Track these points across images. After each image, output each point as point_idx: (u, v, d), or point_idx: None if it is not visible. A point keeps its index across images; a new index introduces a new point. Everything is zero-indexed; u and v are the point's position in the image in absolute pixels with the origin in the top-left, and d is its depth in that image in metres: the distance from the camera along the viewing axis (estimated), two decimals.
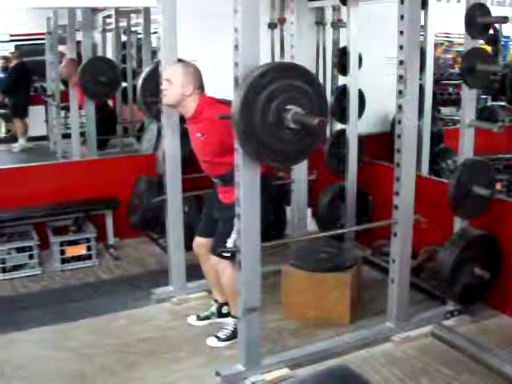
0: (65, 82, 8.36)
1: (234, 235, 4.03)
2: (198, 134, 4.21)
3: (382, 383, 3.93)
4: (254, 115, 3.33)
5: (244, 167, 3.57)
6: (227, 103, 3.77)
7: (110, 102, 9.64)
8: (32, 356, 4.33)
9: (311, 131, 3.43)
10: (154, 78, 4.96)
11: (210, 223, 4.47)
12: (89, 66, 7.40)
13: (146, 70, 5.32)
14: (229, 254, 4.13)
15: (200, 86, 4.24)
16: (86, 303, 5.13)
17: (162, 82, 4.26)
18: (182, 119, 4.61)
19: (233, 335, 4.33)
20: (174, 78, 4.16)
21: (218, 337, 4.43)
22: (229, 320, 4.53)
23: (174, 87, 4.15)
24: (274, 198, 4.47)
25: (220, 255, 4.24)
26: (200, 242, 4.58)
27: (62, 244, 5.90)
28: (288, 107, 3.35)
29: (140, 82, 5.22)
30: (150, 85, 5.10)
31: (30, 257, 5.80)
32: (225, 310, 4.66)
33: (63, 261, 5.89)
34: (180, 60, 4.62)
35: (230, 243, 4.16)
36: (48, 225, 6.14)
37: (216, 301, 4.74)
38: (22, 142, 11.42)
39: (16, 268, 5.75)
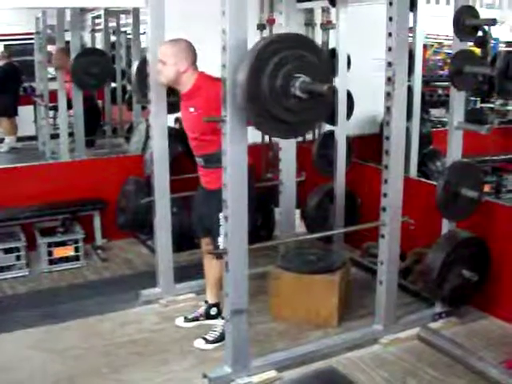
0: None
1: (222, 231, 3.95)
2: (192, 109, 4.20)
3: None
4: (261, 82, 3.32)
5: (231, 169, 3.57)
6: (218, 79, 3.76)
7: (99, 102, 9.64)
8: (18, 358, 4.30)
9: (317, 101, 3.43)
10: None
11: (202, 221, 4.45)
12: (81, 56, 7.47)
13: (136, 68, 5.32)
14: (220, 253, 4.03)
15: (194, 61, 4.25)
16: (74, 304, 5.11)
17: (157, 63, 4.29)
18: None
19: (221, 337, 4.29)
20: (166, 58, 4.19)
21: (205, 339, 4.42)
22: (217, 321, 4.52)
23: (167, 67, 4.19)
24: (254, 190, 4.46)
25: (214, 254, 4.22)
26: (205, 242, 4.58)
27: (49, 245, 5.87)
28: (296, 75, 3.34)
29: (134, 80, 5.27)
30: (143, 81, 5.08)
31: (18, 258, 5.77)
32: (213, 311, 4.66)
33: (51, 262, 5.86)
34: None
35: (220, 242, 4.11)
36: (35, 226, 6.11)
37: (206, 302, 4.73)
38: (8, 141, 11.38)
39: (3, 269, 5.72)
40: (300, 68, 3.35)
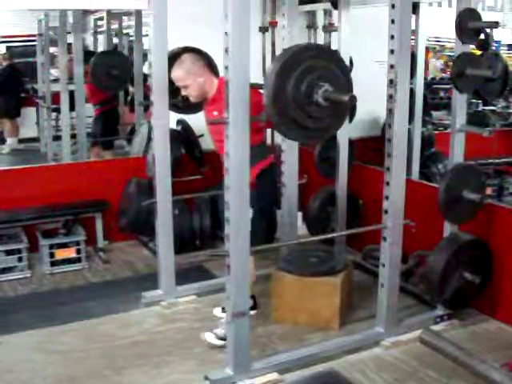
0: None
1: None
2: (216, 113, 4.24)
3: None
4: (288, 84, 3.42)
5: (233, 171, 3.57)
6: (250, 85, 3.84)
7: None
8: (20, 360, 4.30)
9: (336, 110, 3.56)
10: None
11: None
12: (101, 58, 7.52)
13: None
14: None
15: (210, 67, 4.38)
16: (75, 306, 5.11)
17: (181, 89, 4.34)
18: None
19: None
20: (183, 82, 4.27)
21: (216, 334, 4.39)
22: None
23: (189, 88, 4.27)
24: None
25: None
26: None
27: (51, 247, 5.87)
28: (320, 83, 3.46)
29: None
30: None
31: (19, 259, 5.77)
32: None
33: (52, 264, 5.86)
34: (174, 55, 4.62)
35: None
36: (37, 227, 6.11)
37: None
38: (10, 142, 11.41)
39: (5, 271, 5.72)
40: (324, 77, 3.48)
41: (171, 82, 4.58)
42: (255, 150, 4.01)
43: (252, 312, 4.39)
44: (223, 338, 4.29)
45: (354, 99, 3.44)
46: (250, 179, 3.85)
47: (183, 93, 4.35)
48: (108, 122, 8.44)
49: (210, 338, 4.39)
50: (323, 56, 3.58)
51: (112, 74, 7.39)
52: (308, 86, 3.45)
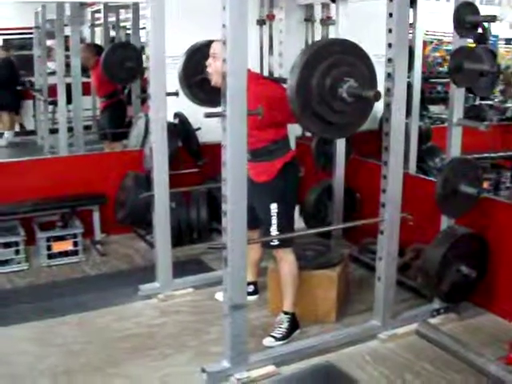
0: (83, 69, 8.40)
1: (275, 221, 4.24)
2: None
3: (367, 381, 3.94)
4: (313, 77, 3.46)
5: (231, 164, 3.58)
6: (268, 78, 3.87)
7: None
8: (16, 352, 4.31)
9: (360, 106, 3.61)
10: (193, 60, 5.02)
11: (253, 215, 4.29)
12: (113, 50, 7.54)
13: (182, 58, 5.19)
14: (276, 243, 4.30)
15: None
16: (72, 299, 5.11)
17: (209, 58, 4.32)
18: None
19: (288, 333, 4.37)
20: (218, 52, 4.16)
21: (274, 336, 4.37)
22: (282, 317, 4.47)
23: (218, 61, 4.15)
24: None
25: (269, 246, 4.38)
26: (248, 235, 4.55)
27: (48, 239, 5.87)
28: (346, 79, 3.49)
29: (181, 66, 5.15)
30: (190, 68, 5.07)
31: (17, 252, 5.78)
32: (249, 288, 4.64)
33: (50, 256, 5.86)
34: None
35: (273, 231, 4.28)
36: (35, 220, 6.11)
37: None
38: (7, 135, 11.39)
39: (2, 263, 5.72)
40: (350, 73, 3.52)
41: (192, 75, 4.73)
42: (278, 145, 4.28)
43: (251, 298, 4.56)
44: (283, 338, 4.36)
45: (378, 95, 3.49)
46: (270, 174, 4.14)
47: (207, 62, 4.30)
48: (115, 114, 8.43)
49: (268, 342, 4.35)
50: (348, 51, 3.62)
51: (125, 67, 7.38)
52: (333, 80, 3.47)
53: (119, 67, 7.37)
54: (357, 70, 3.58)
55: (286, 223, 4.33)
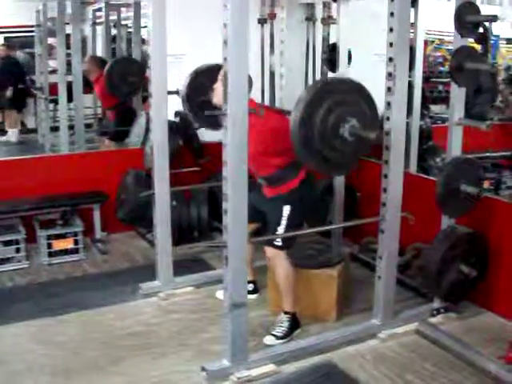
0: (86, 80, 8.39)
1: (284, 222, 4.28)
2: None
3: (367, 380, 3.94)
4: (316, 114, 3.48)
5: (231, 163, 3.58)
6: (272, 109, 3.96)
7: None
8: (16, 350, 4.31)
9: (360, 145, 3.62)
10: (196, 83, 5.05)
11: (252, 210, 4.27)
12: (115, 65, 7.48)
13: (187, 79, 5.26)
14: (280, 243, 4.32)
15: (249, 90, 4.36)
16: (73, 297, 5.11)
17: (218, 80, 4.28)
18: None
19: (289, 332, 4.38)
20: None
21: (274, 335, 4.38)
22: (283, 317, 4.49)
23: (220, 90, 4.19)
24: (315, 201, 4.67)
25: (272, 245, 4.36)
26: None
27: (49, 237, 5.88)
28: (347, 118, 3.51)
29: (186, 87, 5.21)
30: (194, 92, 5.10)
31: (17, 250, 5.78)
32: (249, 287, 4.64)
33: (50, 254, 5.87)
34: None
35: (280, 230, 4.31)
36: (35, 218, 6.11)
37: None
38: (11, 133, 11.42)
39: (3, 261, 5.72)
40: (352, 112, 3.54)
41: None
42: (287, 169, 4.34)
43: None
44: (284, 336, 4.37)
45: (379, 137, 3.50)
46: (285, 189, 4.30)
47: (215, 85, 4.28)
48: (123, 122, 8.38)
49: (269, 341, 4.37)
50: (352, 90, 3.63)
51: (127, 81, 7.36)
52: (336, 119, 3.50)
53: (122, 81, 7.33)
54: (359, 110, 3.60)
55: (293, 228, 4.36)
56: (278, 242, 4.33)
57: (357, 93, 3.68)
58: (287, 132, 3.65)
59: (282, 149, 4.17)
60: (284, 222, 4.30)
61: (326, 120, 3.50)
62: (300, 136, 3.53)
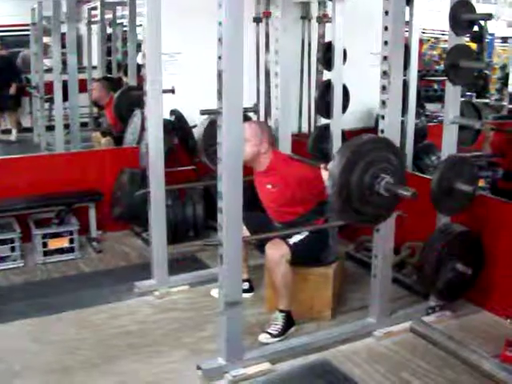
0: (96, 105, 8.39)
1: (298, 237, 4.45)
2: (269, 186, 4.57)
3: (363, 378, 3.94)
4: (353, 173, 3.48)
5: (226, 161, 3.58)
6: (298, 159, 4.50)
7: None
8: (12, 349, 4.30)
9: (393, 200, 3.67)
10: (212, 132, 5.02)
11: (258, 226, 4.65)
12: (125, 93, 7.53)
13: (203, 123, 5.40)
14: (294, 241, 4.42)
15: (272, 143, 4.60)
16: (68, 296, 5.11)
17: None
18: None
19: (284, 330, 4.38)
20: (251, 137, 4.39)
21: (270, 333, 4.37)
22: (278, 315, 4.47)
23: (250, 146, 4.38)
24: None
25: (286, 242, 4.41)
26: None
27: (44, 236, 5.86)
28: (382, 175, 3.54)
29: (201, 135, 5.37)
30: (209, 137, 5.11)
31: (12, 249, 5.77)
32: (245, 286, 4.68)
33: (45, 253, 5.86)
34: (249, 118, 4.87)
35: (291, 240, 4.42)
36: (30, 217, 6.10)
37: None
38: (13, 133, 11.48)
39: None
40: (385, 169, 3.56)
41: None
42: (306, 216, 4.57)
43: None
44: (279, 334, 4.36)
45: (415, 195, 3.52)
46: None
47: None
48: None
49: (264, 338, 4.36)
50: (382, 147, 3.65)
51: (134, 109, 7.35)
52: (370, 178, 3.53)
53: (131, 111, 7.32)
54: (391, 166, 3.62)
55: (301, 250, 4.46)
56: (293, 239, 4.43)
57: (385, 148, 3.68)
58: (312, 181, 4.08)
59: (305, 198, 4.45)
60: (298, 237, 4.44)
61: (361, 181, 3.53)
62: (340, 201, 3.53)
